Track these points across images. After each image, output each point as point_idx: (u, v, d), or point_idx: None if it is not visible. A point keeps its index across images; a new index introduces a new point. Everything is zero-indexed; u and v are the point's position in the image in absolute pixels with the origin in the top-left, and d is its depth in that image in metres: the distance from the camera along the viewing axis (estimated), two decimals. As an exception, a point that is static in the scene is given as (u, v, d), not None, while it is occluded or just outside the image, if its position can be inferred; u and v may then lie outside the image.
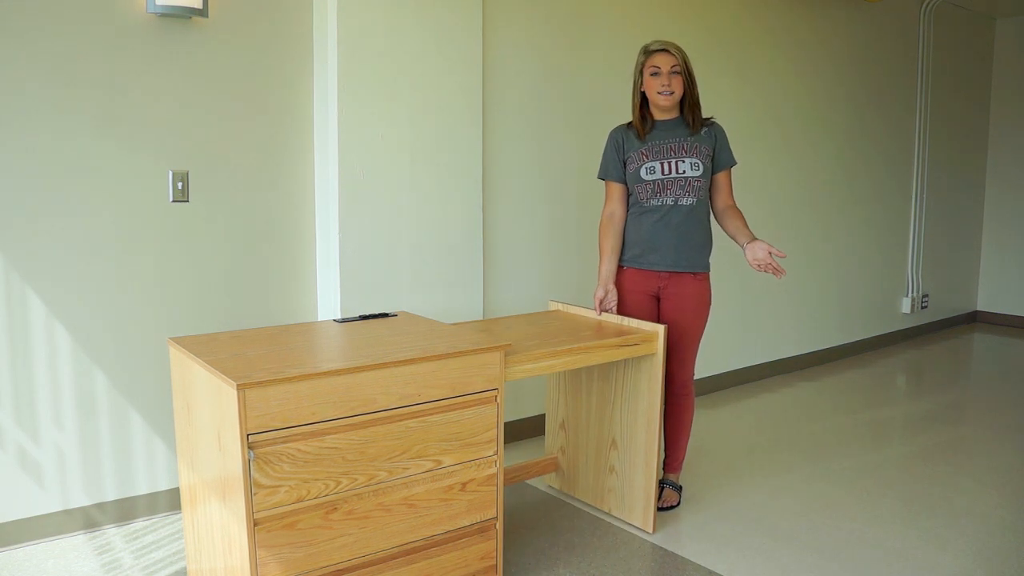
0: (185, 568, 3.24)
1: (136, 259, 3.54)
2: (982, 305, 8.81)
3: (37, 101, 3.26)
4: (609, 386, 3.78)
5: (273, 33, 3.79)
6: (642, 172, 3.68)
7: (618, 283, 3.83)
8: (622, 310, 3.82)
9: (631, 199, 3.80)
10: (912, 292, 7.76)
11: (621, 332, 3.53)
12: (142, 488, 3.67)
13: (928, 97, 7.62)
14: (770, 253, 3.56)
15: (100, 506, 3.57)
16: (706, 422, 5.26)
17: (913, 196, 7.68)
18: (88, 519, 3.55)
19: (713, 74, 5.61)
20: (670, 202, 3.67)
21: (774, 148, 6.16)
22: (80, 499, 3.53)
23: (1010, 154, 8.47)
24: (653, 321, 3.80)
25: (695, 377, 5.27)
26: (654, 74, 3.63)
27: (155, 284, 3.60)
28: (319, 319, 4.03)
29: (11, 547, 3.38)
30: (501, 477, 3.04)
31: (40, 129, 3.28)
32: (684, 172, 3.65)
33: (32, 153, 3.27)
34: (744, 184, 5.92)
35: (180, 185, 3.60)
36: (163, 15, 3.48)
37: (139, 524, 3.64)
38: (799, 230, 6.47)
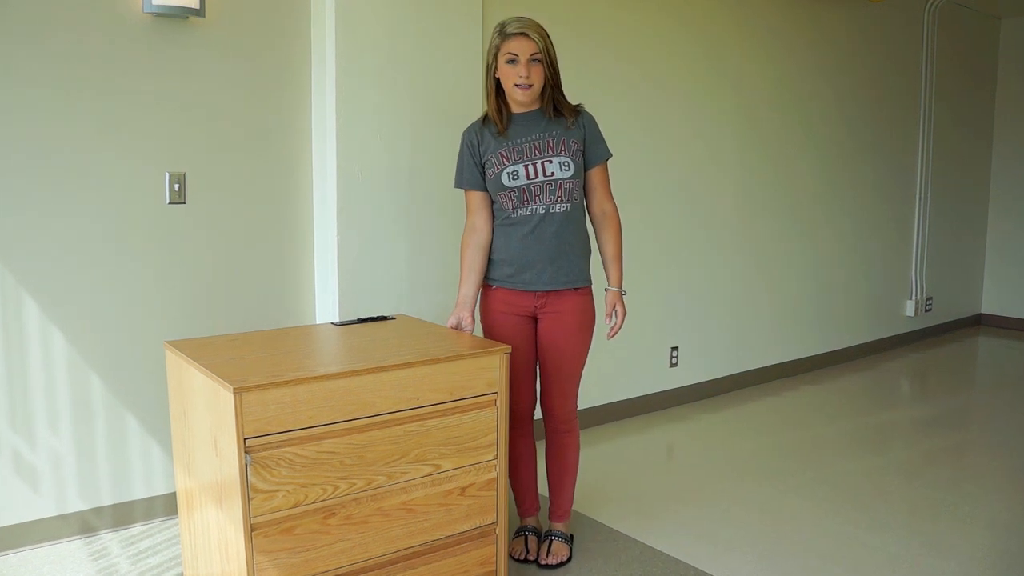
0: (182, 574, 3.24)
1: (132, 261, 3.54)
2: (987, 308, 8.81)
3: (31, 102, 3.26)
4: None
5: (270, 33, 3.79)
6: (503, 178, 3.19)
7: (488, 304, 3.37)
8: (494, 335, 3.34)
9: (495, 208, 3.30)
10: (916, 295, 7.76)
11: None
12: (138, 493, 3.67)
13: (932, 98, 7.63)
14: (612, 313, 3.35)
15: (96, 511, 3.58)
16: (707, 426, 5.26)
17: (917, 197, 7.69)
18: (84, 524, 3.55)
19: (712, 75, 5.62)
20: (540, 211, 3.20)
21: (775, 149, 6.16)
22: (76, 504, 3.53)
23: (1015, 155, 8.47)
24: (530, 345, 3.35)
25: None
26: (510, 62, 3.11)
27: (151, 287, 3.60)
28: (317, 322, 4.03)
29: (6, 552, 3.38)
30: (502, 481, 3.03)
31: (34, 130, 3.28)
32: (553, 174, 3.17)
33: (26, 154, 3.28)
34: (747, 186, 5.93)
35: (177, 187, 3.61)
36: (159, 15, 3.48)
37: (136, 529, 3.64)
38: (802, 232, 6.48)
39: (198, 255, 3.71)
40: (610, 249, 3.34)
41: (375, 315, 3.76)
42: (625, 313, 3.35)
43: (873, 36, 6.93)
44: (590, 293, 3.33)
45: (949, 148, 7.98)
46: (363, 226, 3.92)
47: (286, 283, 3.96)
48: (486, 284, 3.37)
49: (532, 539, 3.48)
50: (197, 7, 3.48)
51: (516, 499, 3.55)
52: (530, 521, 3.55)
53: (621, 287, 3.35)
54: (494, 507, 3.04)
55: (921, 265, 7.77)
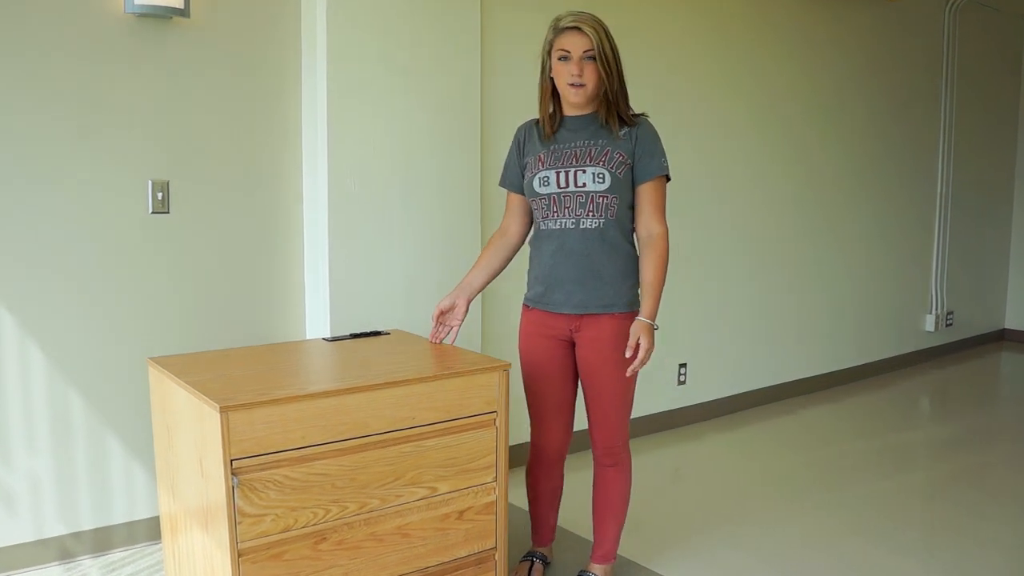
0: (165, 602, 3.25)
1: (114, 274, 3.55)
2: (1010, 323, 8.81)
3: (6, 106, 3.27)
4: None
5: (259, 34, 3.81)
6: (535, 183, 3.12)
7: (521, 326, 3.29)
8: (523, 359, 3.27)
9: (534, 217, 3.25)
10: (936, 309, 7.76)
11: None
12: (120, 516, 3.67)
13: (953, 101, 7.64)
14: (635, 347, 3.01)
15: (76, 535, 3.57)
16: (717, 445, 5.26)
17: (937, 206, 7.69)
18: (63, 549, 3.55)
19: (721, 76, 5.64)
20: (569, 224, 3.08)
21: (786, 155, 6.18)
22: (55, 528, 3.53)
23: (1039, 162, 8.50)
24: (566, 374, 3.24)
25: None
26: (563, 59, 3.01)
27: (134, 300, 3.61)
28: (307, 337, 4.03)
29: (-20, 579, 3.39)
30: (502, 505, 3.04)
31: (10, 136, 3.29)
32: (584, 185, 3.04)
33: (1, 161, 3.29)
34: (754, 194, 5.94)
35: (160, 196, 3.61)
36: (142, 15, 3.49)
37: (117, 555, 3.63)
38: (814, 242, 6.49)
39: (182, 267, 3.71)
40: (648, 275, 3.08)
41: (368, 330, 3.77)
42: (651, 348, 3.02)
43: (890, 37, 6.95)
44: (634, 317, 3.10)
45: (971, 154, 7.99)
46: (356, 236, 3.93)
47: (275, 296, 3.96)
48: (523, 304, 3.30)
49: (538, 567, 3.46)
50: (181, 7, 3.50)
51: (532, 527, 3.52)
52: (542, 549, 3.53)
53: (653, 320, 3.05)
54: (493, 532, 3.04)
55: (941, 278, 7.78)
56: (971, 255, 8.17)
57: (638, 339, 3.01)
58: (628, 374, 3.07)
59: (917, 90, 7.32)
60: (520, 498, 4.15)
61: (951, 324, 8.01)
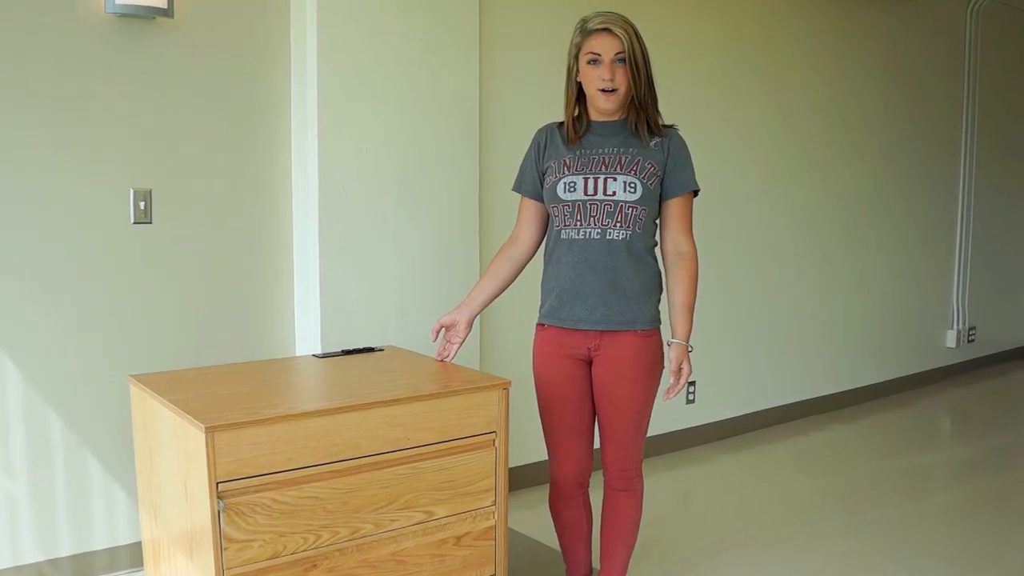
0: (146, 633, 3.23)
1: (93, 287, 3.54)
2: (1035, 338, 8.82)
3: (-14, 112, 3.27)
4: None
5: (246, 35, 3.81)
6: (559, 188, 3.05)
7: (536, 344, 3.20)
8: (537, 378, 3.19)
9: (551, 225, 3.19)
10: (957, 324, 7.75)
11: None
12: (100, 542, 3.65)
13: (975, 106, 7.64)
14: (679, 371, 3.05)
15: (54, 562, 3.56)
16: (729, 467, 5.25)
17: (958, 216, 7.69)
18: (39, 577, 3.54)
19: (732, 78, 5.64)
20: (595, 234, 3.01)
21: (799, 161, 6.17)
22: (32, 554, 3.51)
23: (1065, 170, 8.48)
24: (585, 396, 3.16)
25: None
26: (592, 62, 2.97)
27: (114, 315, 3.60)
28: (297, 354, 4.03)
29: (-48, 609, 3.37)
30: (502, 530, 3.03)
31: (-11, 143, 3.29)
32: (614, 194, 2.99)
33: (-20, 170, 3.28)
34: (766, 203, 5.93)
35: (143, 205, 3.61)
36: (123, 15, 3.48)
37: (95, 583, 3.63)
38: (828, 254, 6.48)
39: (166, 280, 3.70)
40: (680, 296, 3.11)
41: (361, 346, 3.76)
42: (689, 372, 3.08)
43: (909, 38, 6.95)
44: (655, 335, 3.12)
45: (994, 161, 7.98)
46: (348, 247, 3.92)
47: (263, 311, 3.96)
48: (537, 324, 3.21)
49: None
50: (165, 7, 3.49)
51: (564, 560, 3.45)
52: None
53: (688, 341, 3.09)
54: (492, 558, 3.03)
55: (963, 291, 7.76)
56: (994, 268, 8.16)
57: (680, 365, 3.05)
58: (666, 399, 3.10)
59: (938, 94, 7.32)
60: (519, 522, 4.14)
61: (973, 340, 7.99)
